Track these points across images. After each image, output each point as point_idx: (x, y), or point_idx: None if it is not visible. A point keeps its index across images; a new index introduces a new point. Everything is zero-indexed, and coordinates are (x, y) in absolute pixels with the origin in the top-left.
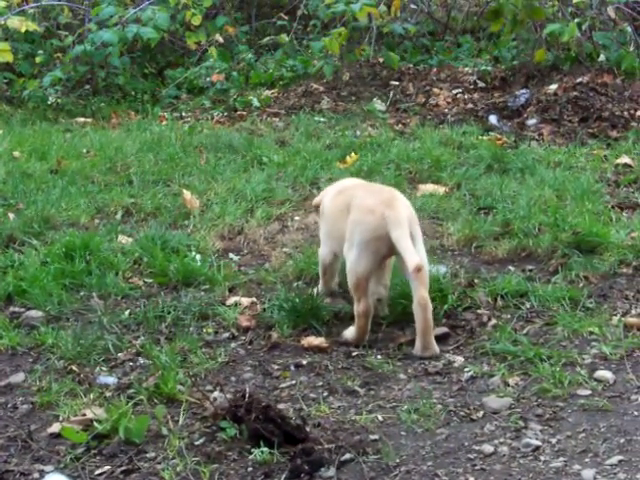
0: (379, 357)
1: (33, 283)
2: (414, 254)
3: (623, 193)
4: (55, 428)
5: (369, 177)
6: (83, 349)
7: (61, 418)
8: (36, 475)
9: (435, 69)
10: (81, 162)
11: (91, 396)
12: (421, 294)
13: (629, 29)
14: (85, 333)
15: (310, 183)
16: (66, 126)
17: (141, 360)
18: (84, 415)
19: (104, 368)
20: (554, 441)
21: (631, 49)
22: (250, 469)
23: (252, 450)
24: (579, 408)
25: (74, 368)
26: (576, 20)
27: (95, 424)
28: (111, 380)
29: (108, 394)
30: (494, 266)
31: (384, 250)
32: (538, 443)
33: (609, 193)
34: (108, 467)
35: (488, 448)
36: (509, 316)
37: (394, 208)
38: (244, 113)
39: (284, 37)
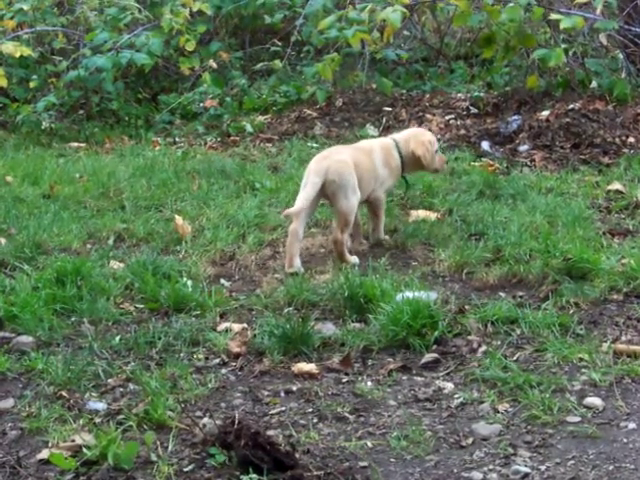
0: (369, 383)
1: (24, 308)
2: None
3: (614, 219)
4: (44, 454)
5: (360, 204)
6: (73, 375)
7: (50, 444)
8: None
9: (428, 95)
10: (74, 187)
11: (80, 422)
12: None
13: (621, 56)
14: (75, 359)
15: None
16: (59, 151)
17: (131, 386)
18: (73, 441)
19: (94, 394)
20: (543, 468)
21: (623, 76)
22: None
23: (241, 477)
24: (568, 435)
25: (64, 394)
26: (563, 46)
27: (84, 450)
28: (101, 406)
29: (97, 420)
30: (485, 292)
31: None
32: (527, 470)
33: (600, 219)
34: None
35: (477, 475)
36: (499, 342)
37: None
38: (237, 138)
39: (278, 63)
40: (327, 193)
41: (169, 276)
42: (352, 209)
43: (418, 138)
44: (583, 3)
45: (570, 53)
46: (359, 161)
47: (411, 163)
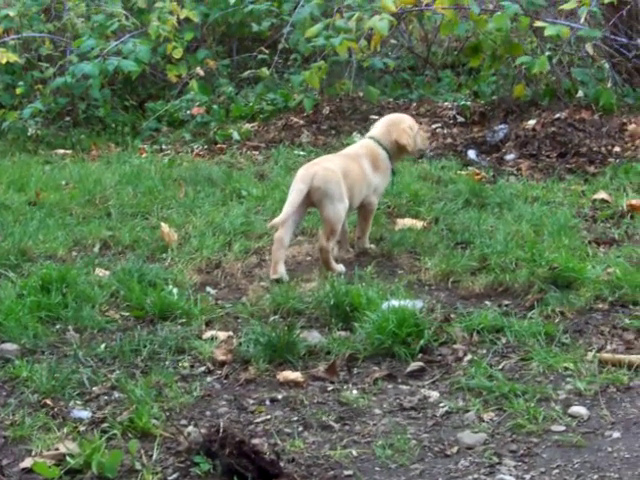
0: (354, 392)
1: (8, 316)
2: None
3: (600, 228)
4: (27, 463)
5: (348, 212)
6: (58, 383)
7: (34, 453)
8: None
9: (415, 103)
10: (60, 194)
11: (64, 430)
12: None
13: (607, 66)
14: (60, 366)
15: None
16: (45, 158)
17: (116, 394)
18: (57, 450)
19: (78, 402)
20: (528, 477)
21: (609, 85)
22: None
23: None
24: (553, 444)
25: (48, 402)
26: (547, 53)
27: (68, 459)
28: (85, 414)
29: (82, 428)
30: (471, 301)
31: None
32: (512, 479)
33: (586, 228)
34: None
35: None
36: (485, 351)
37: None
38: (224, 146)
39: (265, 71)
40: (313, 200)
41: (155, 284)
42: (339, 217)
43: (398, 126)
44: (569, 12)
45: (555, 61)
46: (349, 169)
47: (397, 153)
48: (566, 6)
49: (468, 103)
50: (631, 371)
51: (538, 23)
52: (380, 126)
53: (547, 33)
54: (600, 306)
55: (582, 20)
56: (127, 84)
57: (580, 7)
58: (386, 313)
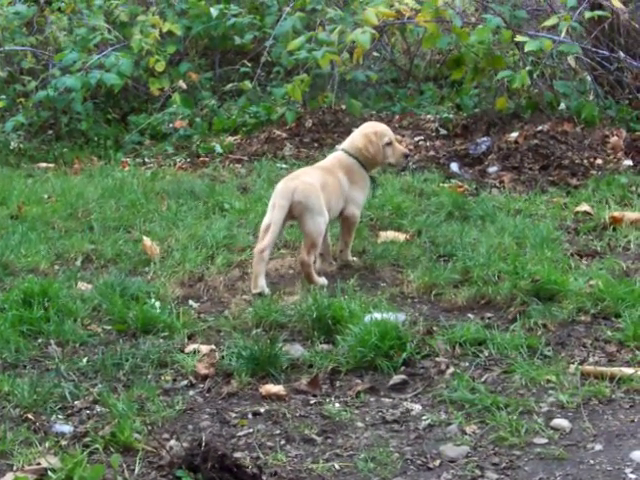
0: (337, 405)
1: None
2: None
3: (582, 241)
4: (9, 478)
5: (330, 224)
6: (39, 397)
7: (15, 467)
8: None
9: (397, 116)
10: (42, 208)
11: (46, 445)
12: None
13: (589, 78)
14: (42, 381)
15: None
16: (28, 171)
17: (98, 408)
18: (39, 464)
19: (60, 416)
20: None
21: (591, 98)
22: None
23: None
24: (535, 457)
25: (30, 416)
26: (527, 68)
27: (50, 473)
28: (67, 428)
29: (64, 443)
30: (453, 314)
31: None
32: None
33: (568, 241)
34: None
35: None
36: (467, 364)
37: None
38: (207, 159)
39: (247, 84)
40: (294, 214)
41: (137, 297)
42: (319, 231)
43: (363, 131)
44: (551, 25)
45: (536, 75)
46: (326, 182)
47: (368, 162)
48: (547, 23)
49: (450, 116)
50: (613, 383)
51: (519, 37)
52: (351, 136)
53: (528, 48)
54: (582, 318)
55: (563, 34)
56: (109, 97)
57: (561, 22)
58: (368, 326)
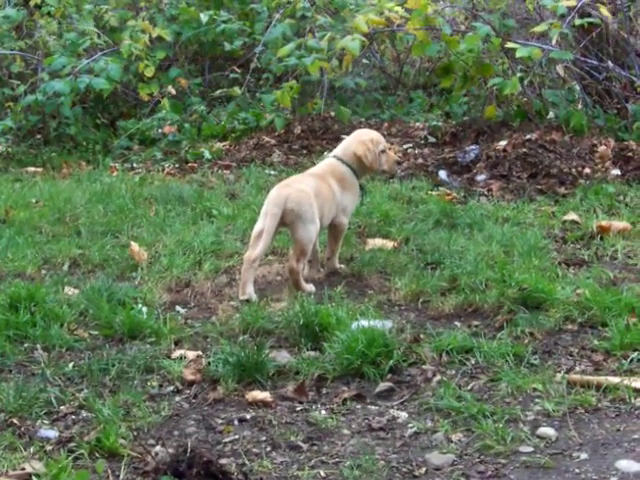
0: (323, 412)
1: None
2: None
3: (570, 249)
4: None
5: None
6: (25, 402)
7: None
8: None
9: (386, 123)
10: (29, 212)
11: (31, 450)
12: None
13: (577, 87)
14: (27, 385)
15: None
16: (16, 175)
17: (84, 413)
18: (23, 469)
19: (45, 421)
20: None
21: (579, 107)
22: None
23: None
24: (521, 465)
25: (15, 421)
26: (518, 75)
27: (34, 479)
28: (52, 434)
29: (49, 448)
30: (440, 321)
31: None
32: None
33: (556, 249)
34: None
35: None
36: (454, 372)
37: None
38: (195, 165)
39: (236, 90)
40: (286, 222)
41: (124, 303)
42: (310, 239)
43: (359, 138)
44: (540, 34)
45: (526, 82)
46: (319, 190)
47: (361, 168)
48: (537, 29)
49: (439, 123)
50: (599, 392)
51: (509, 44)
52: (343, 143)
53: (518, 55)
54: (569, 327)
55: (554, 42)
56: (99, 102)
57: (552, 30)
58: (355, 333)
